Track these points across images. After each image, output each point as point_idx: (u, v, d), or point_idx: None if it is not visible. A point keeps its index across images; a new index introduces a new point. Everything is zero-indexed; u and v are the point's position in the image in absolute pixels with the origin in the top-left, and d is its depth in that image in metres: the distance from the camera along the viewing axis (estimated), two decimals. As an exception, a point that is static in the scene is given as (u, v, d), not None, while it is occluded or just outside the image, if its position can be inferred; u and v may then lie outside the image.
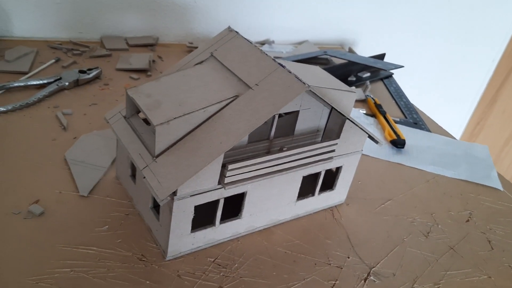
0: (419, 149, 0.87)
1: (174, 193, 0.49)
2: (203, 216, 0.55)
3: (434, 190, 0.77)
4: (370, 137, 0.64)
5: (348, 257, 0.60)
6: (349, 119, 0.58)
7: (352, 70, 1.09)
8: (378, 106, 0.96)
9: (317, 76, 0.63)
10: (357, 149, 0.64)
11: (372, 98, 0.99)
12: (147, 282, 0.51)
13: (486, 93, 1.66)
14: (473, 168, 0.84)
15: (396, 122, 0.95)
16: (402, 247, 0.64)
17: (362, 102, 1.00)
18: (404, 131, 0.91)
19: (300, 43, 1.24)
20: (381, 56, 1.16)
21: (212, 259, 0.56)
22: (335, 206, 0.68)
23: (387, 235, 0.65)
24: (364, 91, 1.02)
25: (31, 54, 0.90)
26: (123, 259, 0.53)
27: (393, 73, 1.14)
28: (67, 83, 0.82)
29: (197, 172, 0.47)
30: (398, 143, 0.85)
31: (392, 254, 0.62)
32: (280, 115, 0.65)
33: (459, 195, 0.77)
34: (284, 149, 0.55)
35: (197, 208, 0.52)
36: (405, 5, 1.33)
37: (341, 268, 0.58)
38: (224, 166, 0.51)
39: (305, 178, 0.61)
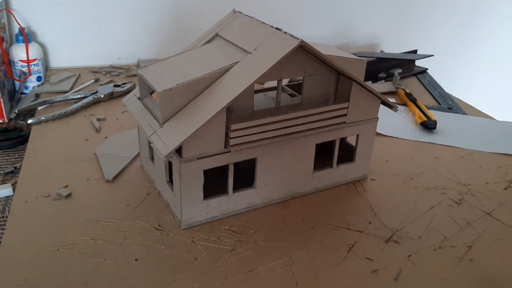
0: (453, 129, 0.84)
1: (181, 156, 0.51)
2: (218, 187, 0.56)
3: (469, 164, 0.73)
4: (384, 102, 0.63)
5: (370, 223, 0.58)
6: (356, 82, 0.58)
7: (382, 68, 1.08)
8: (408, 95, 0.94)
9: (327, 48, 0.63)
10: (372, 116, 0.63)
11: (403, 89, 0.97)
12: (162, 247, 0.52)
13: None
14: (514, 143, 0.80)
15: (428, 108, 0.92)
16: (430, 213, 0.61)
17: (393, 94, 0.98)
18: (437, 115, 0.88)
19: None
20: (413, 52, 1.14)
21: (228, 227, 0.56)
22: (359, 181, 0.67)
23: (414, 204, 0.63)
24: (394, 83, 1.01)
25: (73, 77, 0.98)
26: (141, 229, 0.55)
27: (427, 69, 1.12)
28: (102, 96, 0.88)
29: (197, 128, 0.49)
30: (429, 124, 0.83)
31: (418, 219, 0.59)
32: (284, 90, 0.66)
33: (497, 168, 0.72)
34: (289, 111, 0.56)
35: (210, 176, 0.54)
36: (447, 9, 1.32)
37: (361, 232, 0.56)
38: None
39: (322, 150, 0.61)
